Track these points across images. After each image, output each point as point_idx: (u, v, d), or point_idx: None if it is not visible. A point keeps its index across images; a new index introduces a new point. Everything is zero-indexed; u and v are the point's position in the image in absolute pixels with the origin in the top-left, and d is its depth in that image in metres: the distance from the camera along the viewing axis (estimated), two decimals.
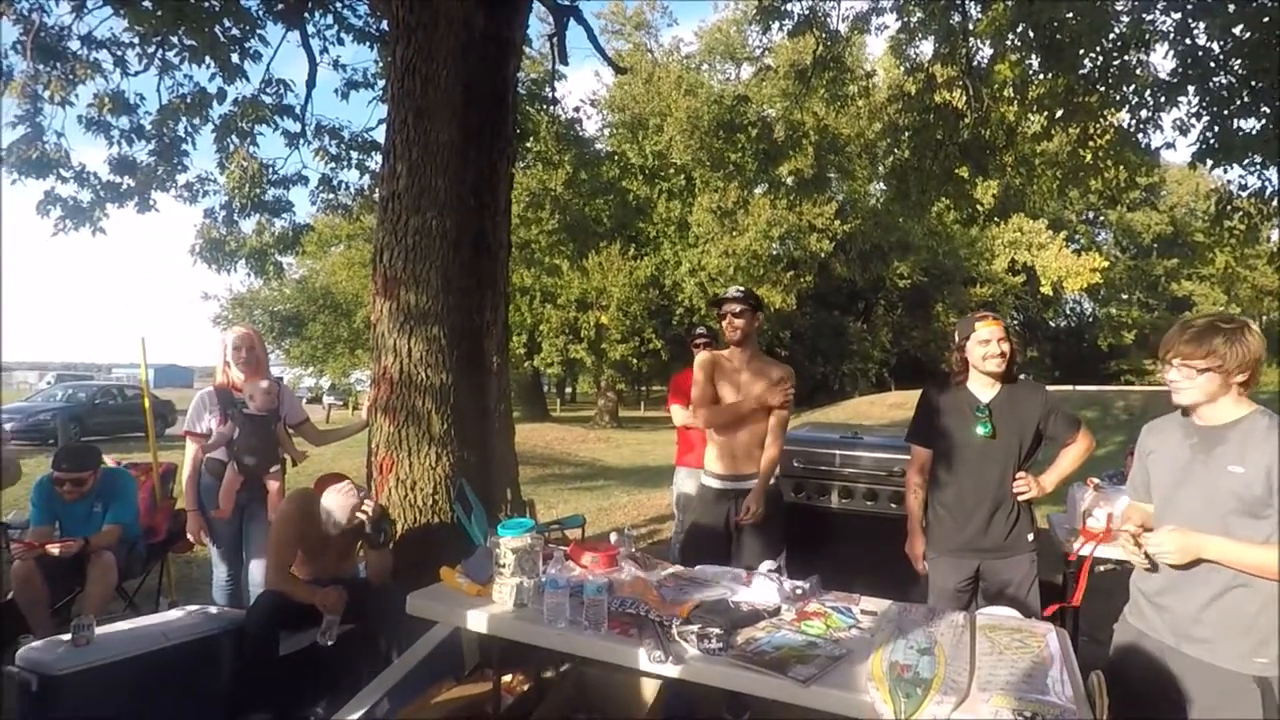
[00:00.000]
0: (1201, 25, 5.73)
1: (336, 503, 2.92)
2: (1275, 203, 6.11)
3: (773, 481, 3.25)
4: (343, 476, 3.08)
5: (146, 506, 3.96)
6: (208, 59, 5.98)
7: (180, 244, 9.69)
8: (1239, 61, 5.63)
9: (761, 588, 2.38)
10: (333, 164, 7.62)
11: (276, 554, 3.01)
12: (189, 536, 3.63)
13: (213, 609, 3.19)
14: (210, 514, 3.55)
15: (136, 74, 6.26)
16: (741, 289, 3.30)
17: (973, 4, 7.28)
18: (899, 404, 20.03)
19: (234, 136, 6.91)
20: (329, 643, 2.82)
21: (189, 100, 6.43)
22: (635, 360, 23.22)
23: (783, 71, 13.30)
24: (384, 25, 6.44)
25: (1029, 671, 1.80)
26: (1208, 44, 5.78)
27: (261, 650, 2.85)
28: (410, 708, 2.62)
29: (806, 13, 7.67)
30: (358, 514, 2.98)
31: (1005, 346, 2.70)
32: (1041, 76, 6.94)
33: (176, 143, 6.61)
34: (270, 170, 7.41)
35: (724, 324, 3.23)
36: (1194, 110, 6.05)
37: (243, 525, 3.61)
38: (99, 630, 2.69)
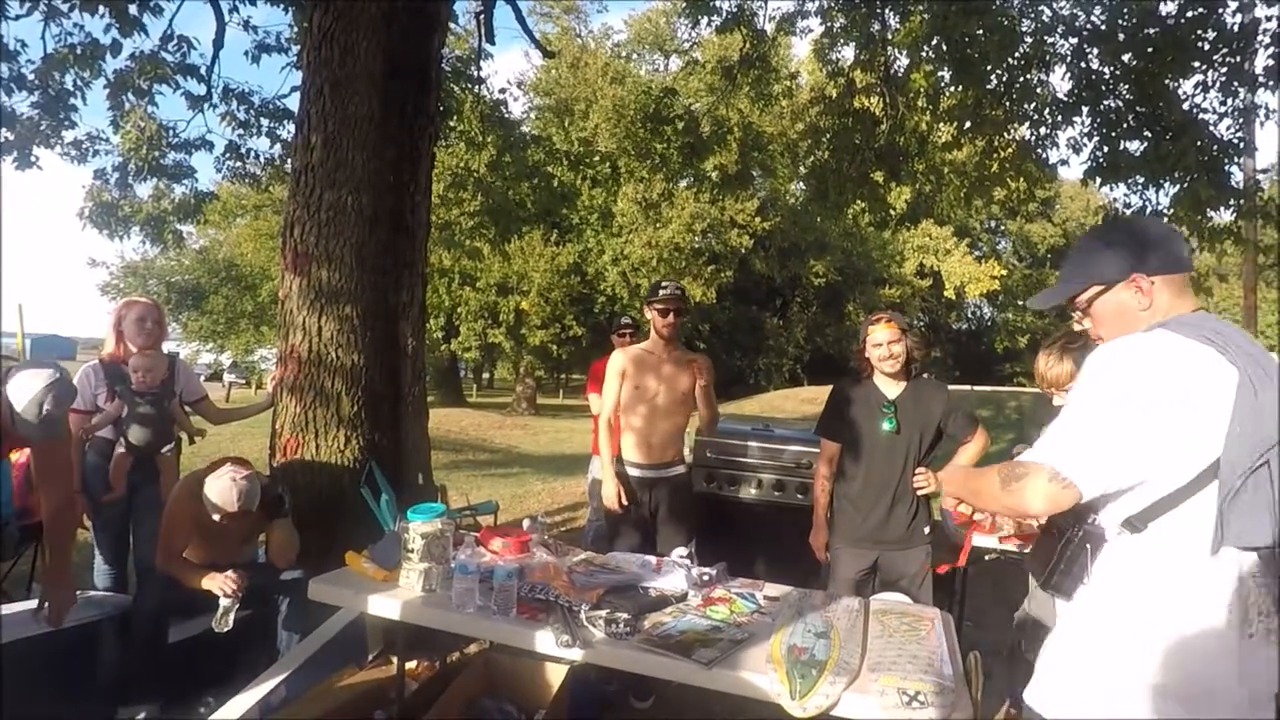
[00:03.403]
0: (1095, 51, 6.15)
1: (218, 489, 2.73)
2: None
3: (685, 470, 3.32)
4: (241, 460, 2.95)
5: (20, 486, 3.69)
6: (101, 7, 5.56)
7: (65, 205, 8.99)
8: (1127, 86, 6.07)
9: (671, 574, 2.44)
10: (241, 130, 7.24)
11: (168, 537, 2.86)
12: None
13: (93, 594, 3.01)
14: (100, 497, 3.34)
15: (17, 18, 5.74)
16: (679, 286, 3.32)
17: (892, 14, 7.56)
18: (811, 399, 20.65)
19: (130, 94, 6.45)
20: (225, 629, 2.70)
21: (79, 51, 5.94)
22: (555, 347, 23.04)
23: (710, 66, 13.44)
24: None
25: (915, 653, 1.92)
26: (1100, 68, 6.20)
27: (149, 637, 2.71)
28: (309, 695, 2.56)
29: (735, 10, 7.78)
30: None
31: (898, 348, 2.81)
32: (952, 89, 7.28)
33: (63, 96, 6.11)
34: (171, 133, 6.97)
35: (657, 318, 3.22)
36: (1086, 130, 6.49)
37: (131, 508, 3.42)
38: None
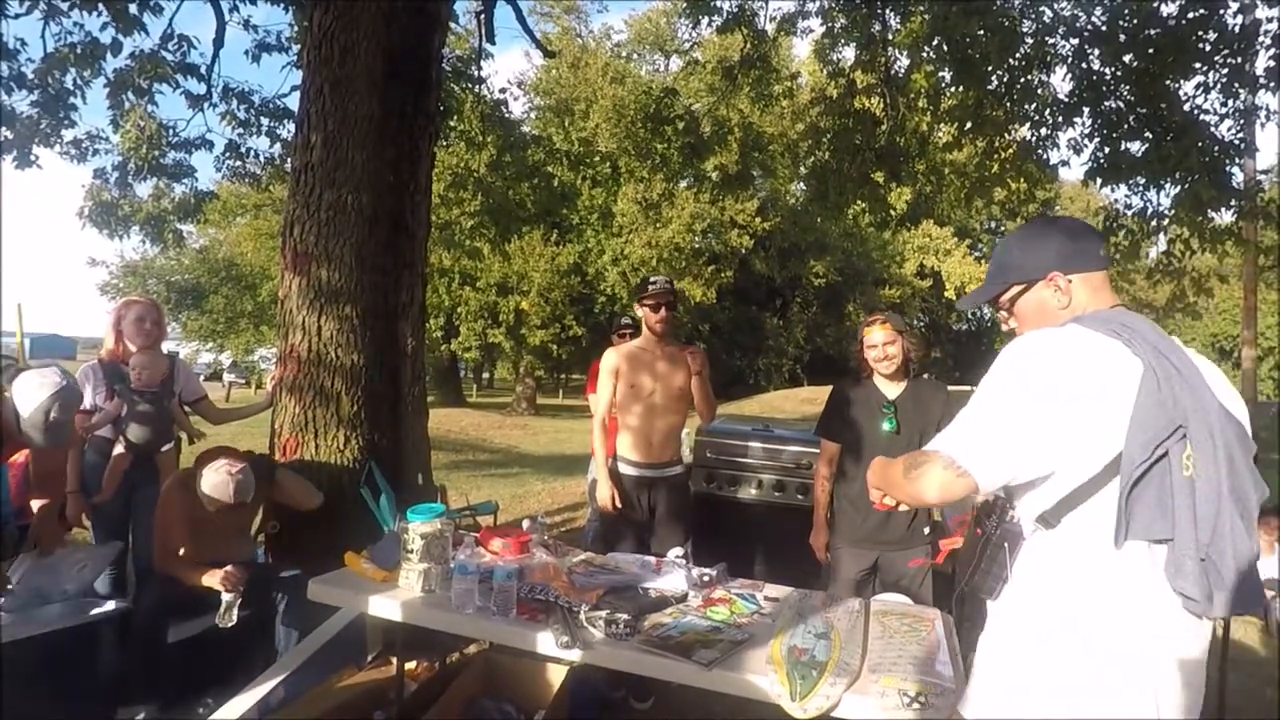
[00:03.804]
0: (1096, 51, 6.14)
1: (213, 482, 2.77)
2: (1154, 222, 6.60)
3: (682, 470, 3.33)
4: (228, 450, 2.96)
5: (18, 485, 3.68)
6: (100, 6, 5.55)
7: (65, 204, 9.00)
8: (1128, 87, 6.06)
9: (671, 575, 2.43)
10: (241, 130, 7.23)
11: (162, 536, 2.87)
12: (67, 518, 3.40)
13: (93, 594, 3.00)
14: (93, 498, 3.34)
15: (16, 17, 5.74)
16: (668, 280, 3.30)
17: (893, 15, 7.56)
18: (810, 399, 20.67)
19: (130, 93, 6.45)
20: (230, 624, 2.70)
21: (79, 50, 5.94)
22: (555, 347, 23.03)
23: (710, 67, 13.43)
24: None
25: (915, 654, 1.91)
26: (1101, 69, 6.20)
27: (149, 637, 2.72)
28: (308, 695, 2.56)
29: (735, 10, 7.77)
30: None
31: (893, 349, 2.82)
32: (953, 89, 7.28)
33: (63, 95, 6.10)
34: (171, 132, 6.97)
35: (649, 314, 3.20)
36: (1087, 131, 6.48)
37: (131, 508, 3.41)
38: None
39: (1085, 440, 1.22)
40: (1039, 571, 1.28)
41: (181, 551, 2.90)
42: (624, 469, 3.22)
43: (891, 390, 2.89)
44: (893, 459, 1.46)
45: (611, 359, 3.26)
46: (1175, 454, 1.17)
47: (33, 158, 6.15)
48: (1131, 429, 1.19)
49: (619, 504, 3.16)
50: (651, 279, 3.27)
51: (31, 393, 2.24)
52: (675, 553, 2.68)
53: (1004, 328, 1.76)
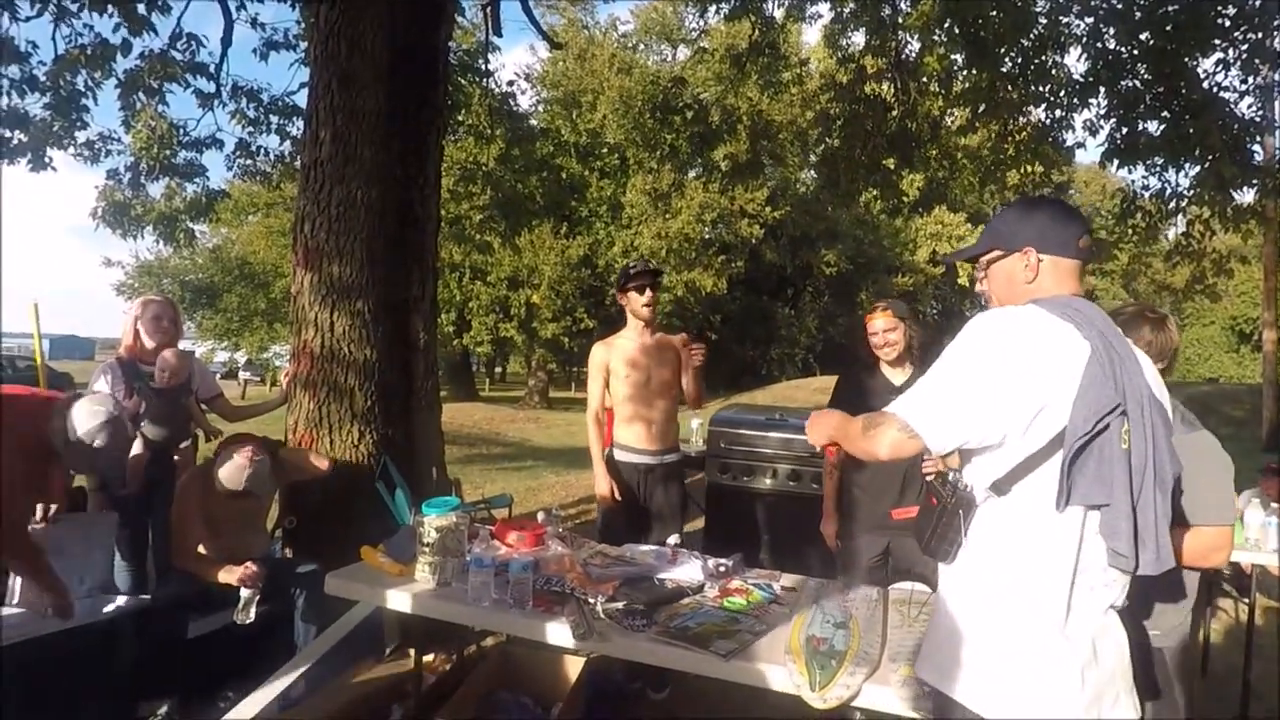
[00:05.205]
0: (1112, 30, 6.02)
1: (228, 468, 2.81)
2: (1173, 203, 6.49)
3: (679, 457, 3.34)
4: (247, 438, 2.98)
5: None
6: (110, 7, 5.57)
7: (80, 205, 9.06)
8: (1145, 66, 5.94)
9: (686, 566, 2.42)
10: (251, 128, 7.24)
11: (180, 532, 2.89)
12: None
13: (113, 590, 3.03)
14: (116, 493, 3.36)
15: (28, 19, 5.75)
16: (646, 260, 3.28)
17: None
18: (823, 389, 20.57)
19: (140, 93, 6.47)
20: (248, 620, 2.72)
21: (89, 52, 5.96)
22: (567, 340, 23.03)
23: (718, 55, 13.32)
24: None
25: None
26: (1117, 48, 6.08)
27: (169, 632, 2.74)
28: (328, 688, 2.57)
29: None
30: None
31: (894, 336, 2.82)
32: (966, 72, 7.17)
33: (75, 97, 6.13)
34: (181, 131, 6.99)
35: (636, 297, 3.17)
36: (1103, 111, 6.37)
37: (149, 504, 3.43)
38: None
39: (1032, 413, 1.31)
40: (990, 534, 1.39)
41: (200, 547, 2.92)
42: (629, 458, 3.21)
43: (897, 377, 2.88)
44: (854, 416, 1.56)
45: (601, 354, 3.25)
46: (1114, 428, 1.29)
47: (47, 160, 6.18)
48: (1076, 404, 1.29)
49: (619, 496, 3.15)
50: (631, 265, 3.27)
51: (83, 420, 2.41)
52: (673, 540, 2.68)
53: (978, 287, 1.80)
